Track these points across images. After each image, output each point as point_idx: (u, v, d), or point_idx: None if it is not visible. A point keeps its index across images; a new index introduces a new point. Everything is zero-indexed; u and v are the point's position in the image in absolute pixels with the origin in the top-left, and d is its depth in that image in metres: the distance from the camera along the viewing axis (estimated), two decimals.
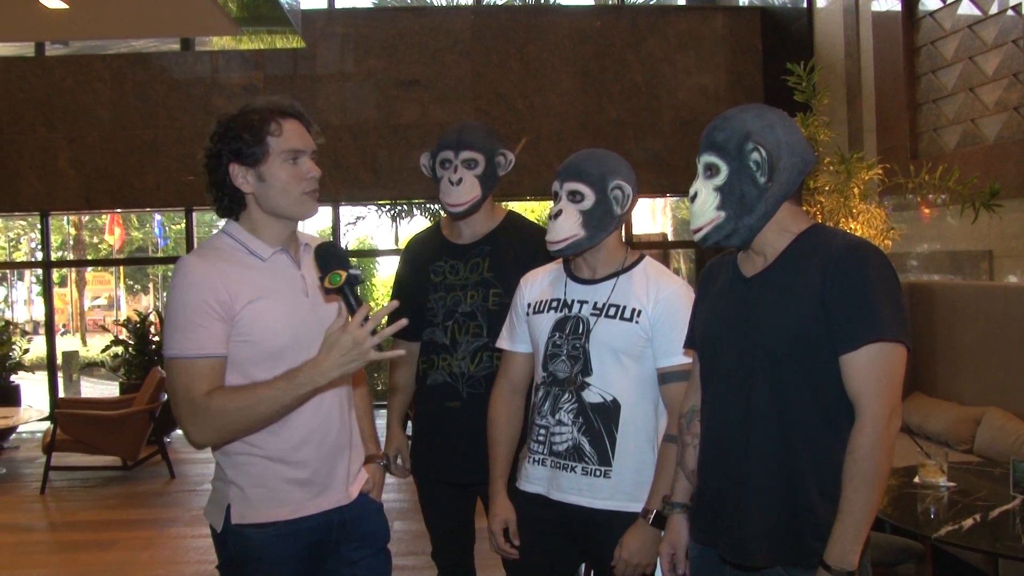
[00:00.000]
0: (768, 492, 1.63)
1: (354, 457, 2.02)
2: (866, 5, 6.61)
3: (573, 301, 2.15)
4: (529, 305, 2.23)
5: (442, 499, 2.58)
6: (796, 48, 7.20)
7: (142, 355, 7.63)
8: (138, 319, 7.76)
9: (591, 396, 2.08)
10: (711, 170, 1.69)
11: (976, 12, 5.45)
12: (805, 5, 7.44)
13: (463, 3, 9.19)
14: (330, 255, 1.76)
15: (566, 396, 2.10)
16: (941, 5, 5.77)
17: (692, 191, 1.72)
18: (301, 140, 1.87)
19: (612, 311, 2.09)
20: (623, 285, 2.11)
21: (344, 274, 1.71)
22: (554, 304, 2.18)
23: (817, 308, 1.58)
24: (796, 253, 1.66)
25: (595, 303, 2.12)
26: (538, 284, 2.26)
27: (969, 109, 5.53)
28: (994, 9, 5.28)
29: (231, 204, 1.89)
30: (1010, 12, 5.13)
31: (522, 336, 2.26)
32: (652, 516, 1.99)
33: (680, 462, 1.92)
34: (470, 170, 2.49)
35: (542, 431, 2.15)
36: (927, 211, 5.90)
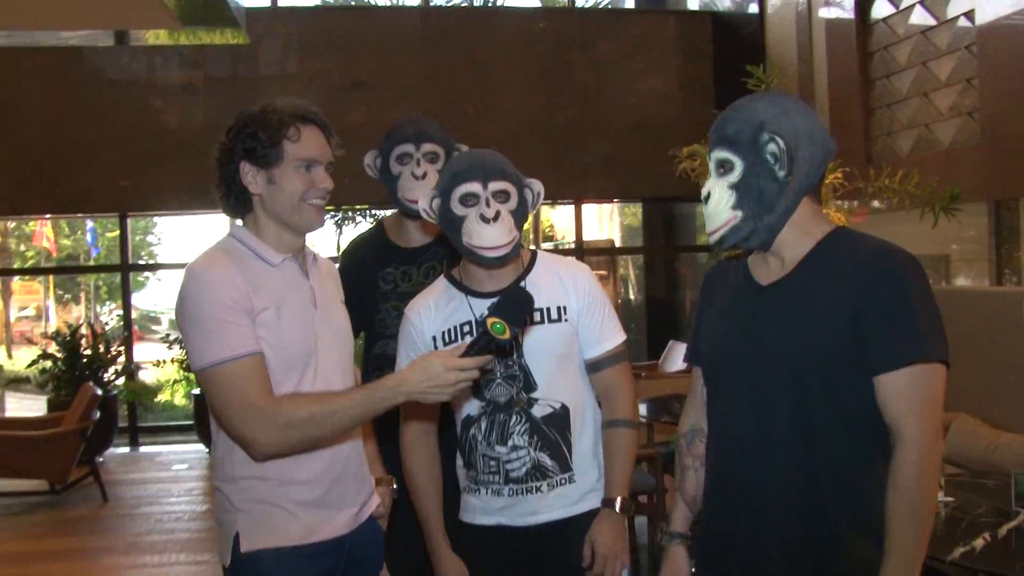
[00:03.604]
0: (790, 524, 1.48)
1: (364, 479, 1.91)
2: (818, 10, 6.60)
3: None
4: (435, 338, 1.99)
5: (400, 533, 2.36)
6: (748, 53, 7.15)
7: (72, 370, 7.21)
8: (68, 332, 7.35)
9: (540, 410, 1.93)
10: (724, 166, 1.53)
11: (929, 19, 5.46)
12: (756, 10, 7.43)
13: (411, 3, 8.98)
14: (518, 304, 1.69)
15: (515, 419, 1.93)
16: (894, 11, 5.77)
17: (705, 191, 1.56)
18: (318, 149, 1.79)
19: (538, 316, 1.94)
20: (536, 283, 1.95)
21: (508, 335, 1.62)
22: (466, 328, 1.96)
23: (846, 322, 1.43)
24: (820, 259, 1.51)
25: None
26: (434, 311, 2.02)
27: (923, 114, 5.54)
28: (947, 15, 5.29)
29: (237, 203, 1.81)
30: (963, 20, 5.14)
31: None
32: (619, 503, 1.92)
33: (679, 488, 1.76)
34: (432, 164, 2.39)
35: (492, 462, 1.95)
36: (860, 217, 5.87)
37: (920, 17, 5.56)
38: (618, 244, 12.84)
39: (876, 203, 4.81)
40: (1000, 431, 3.91)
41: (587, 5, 9.20)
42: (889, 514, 1.39)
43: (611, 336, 1.99)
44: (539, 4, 10.16)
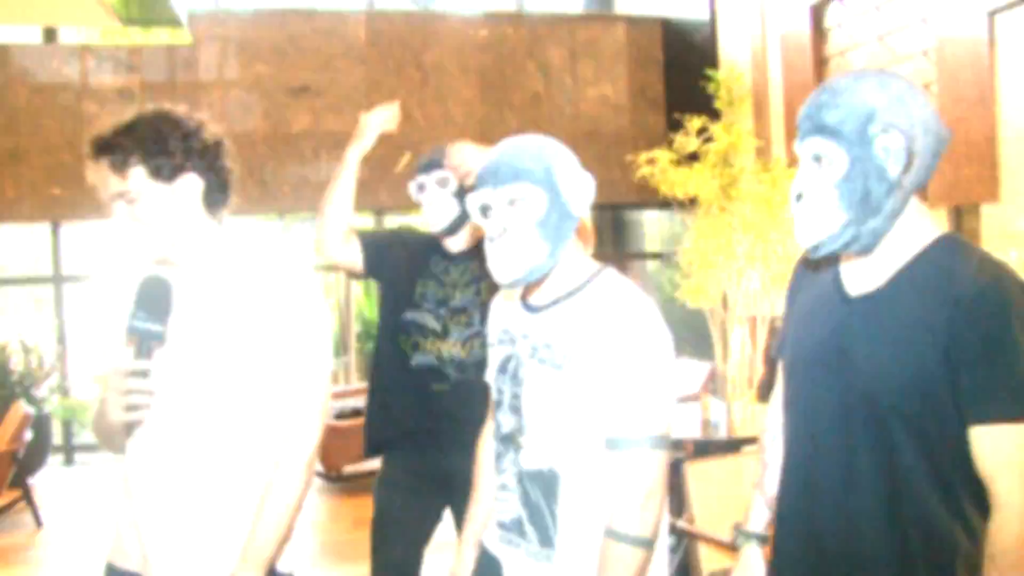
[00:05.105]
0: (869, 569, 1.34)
1: (176, 553, 1.63)
2: (771, 17, 6.62)
3: (517, 335, 1.67)
4: (488, 336, 1.82)
5: (405, 492, 2.44)
6: (700, 59, 7.15)
7: (1, 388, 6.82)
8: None
9: (528, 462, 1.61)
10: (822, 160, 1.33)
11: (886, 25, 5.49)
12: (707, 17, 7.42)
13: (354, 8, 8.77)
14: (145, 294, 1.57)
15: (509, 456, 1.65)
16: (849, 17, 5.80)
17: (798, 189, 1.35)
18: (101, 186, 1.64)
19: (544, 352, 1.59)
20: (564, 314, 1.58)
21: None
22: (503, 337, 1.72)
23: (938, 352, 1.25)
24: (919, 272, 1.32)
25: (533, 339, 1.63)
26: (497, 309, 1.81)
27: None
28: (904, 22, 5.32)
29: None
30: (920, 25, 5.17)
31: None
32: None
33: (759, 484, 1.61)
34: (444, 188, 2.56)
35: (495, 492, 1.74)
36: None
37: (876, 23, 5.59)
38: None
39: None
40: None
41: (533, 11, 9.10)
42: None
43: (632, 417, 1.49)
44: (484, 9, 10.04)
